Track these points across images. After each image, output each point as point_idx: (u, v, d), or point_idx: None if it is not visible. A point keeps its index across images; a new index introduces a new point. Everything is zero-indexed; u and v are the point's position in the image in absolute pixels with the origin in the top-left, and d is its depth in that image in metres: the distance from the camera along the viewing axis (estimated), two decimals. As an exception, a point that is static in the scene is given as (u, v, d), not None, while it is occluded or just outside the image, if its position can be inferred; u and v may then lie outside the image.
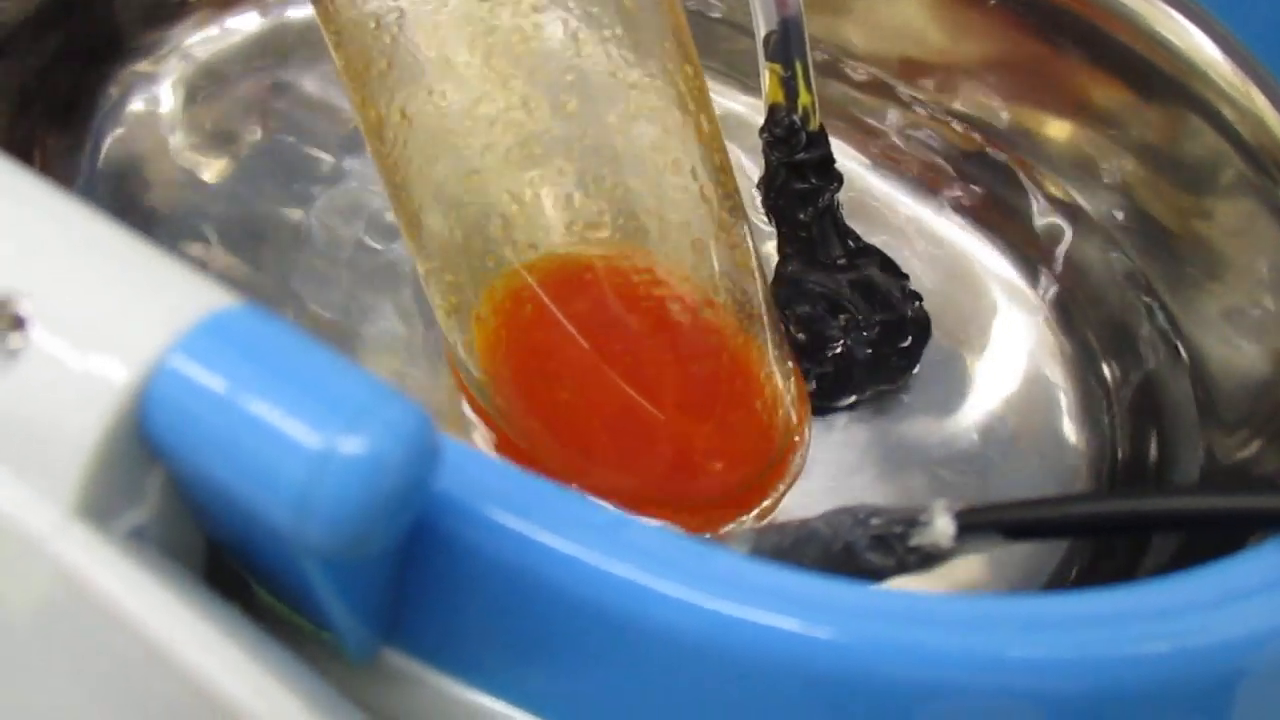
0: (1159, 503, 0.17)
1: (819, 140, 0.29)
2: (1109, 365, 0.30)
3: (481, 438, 0.27)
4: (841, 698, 0.15)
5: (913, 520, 0.18)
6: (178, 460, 0.13)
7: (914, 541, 0.18)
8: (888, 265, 0.30)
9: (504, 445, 0.26)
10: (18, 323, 0.13)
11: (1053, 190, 0.32)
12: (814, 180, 0.29)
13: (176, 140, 0.33)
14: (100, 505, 0.13)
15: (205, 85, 0.34)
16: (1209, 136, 0.28)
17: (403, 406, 0.12)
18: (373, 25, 0.24)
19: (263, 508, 0.12)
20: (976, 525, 0.17)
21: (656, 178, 0.25)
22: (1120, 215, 0.31)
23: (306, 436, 0.12)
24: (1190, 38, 0.28)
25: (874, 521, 0.18)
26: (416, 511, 0.13)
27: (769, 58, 0.29)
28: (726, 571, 0.15)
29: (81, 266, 0.13)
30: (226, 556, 0.15)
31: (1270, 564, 0.16)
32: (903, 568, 0.18)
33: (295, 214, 0.32)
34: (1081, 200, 0.31)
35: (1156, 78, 0.29)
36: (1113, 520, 0.17)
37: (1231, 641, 0.15)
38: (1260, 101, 0.27)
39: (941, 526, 0.17)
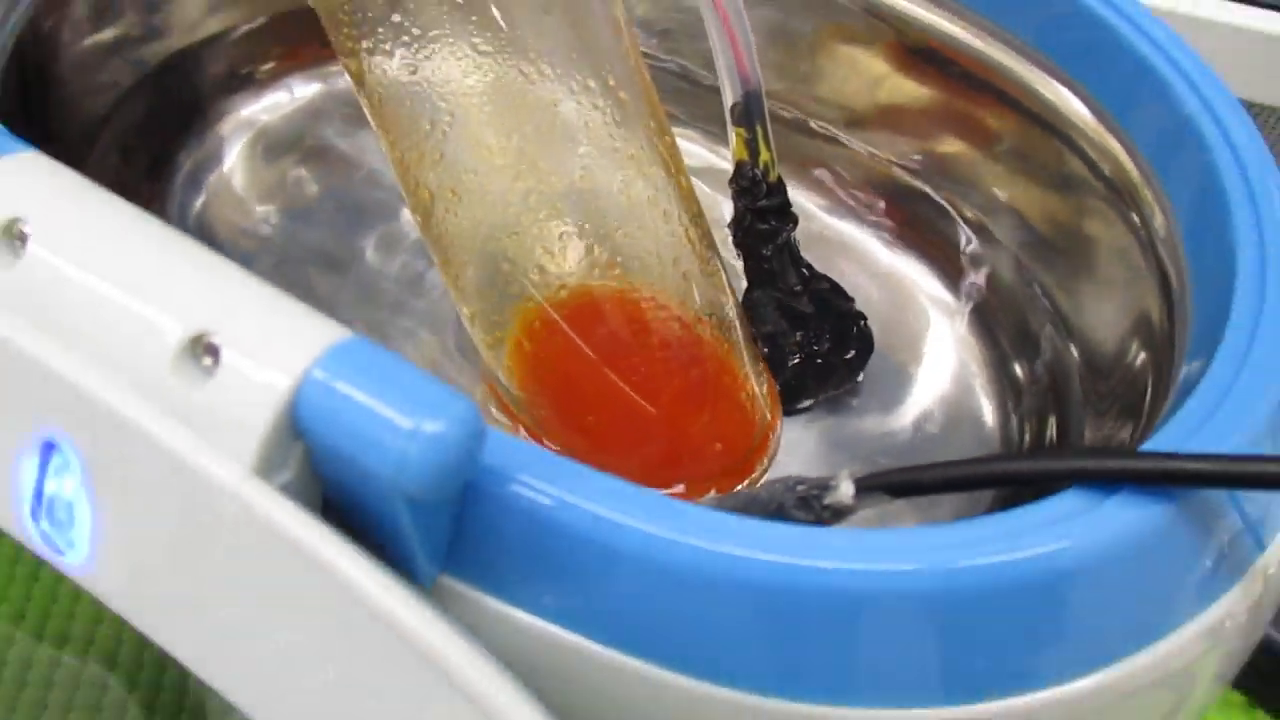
0: (996, 466, 0.22)
1: (778, 189, 0.32)
2: (1019, 365, 0.34)
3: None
4: (778, 606, 0.19)
5: (826, 485, 0.21)
6: (317, 437, 0.17)
7: (827, 501, 0.21)
8: (837, 290, 0.33)
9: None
10: (211, 350, 0.18)
11: (971, 218, 0.35)
12: (774, 222, 0.32)
13: (244, 200, 0.35)
14: (266, 467, 0.17)
15: (272, 147, 0.36)
16: (1080, 171, 0.31)
17: (465, 404, 0.17)
18: (427, 127, 0.28)
19: (373, 467, 0.17)
20: (869, 487, 0.21)
21: (652, 226, 0.29)
22: (1020, 236, 0.34)
23: (402, 421, 0.16)
24: (1063, 98, 0.32)
25: (799, 487, 0.22)
26: (471, 472, 0.17)
27: (735, 123, 0.31)
28: (693, 515, 0.20)
29: (247, 309, 0.18)
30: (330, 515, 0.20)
31: (1070, 502, 0.20)
32: (820, 521, 0.21)
33: (356, 268, 0.34)
34: (992, 225, 0.35)
35: (1042, 127, 0.32)
36: (963, 480, 0.22)
37: (1044, 554, 0.19)
38: (1114, 145, 0.30)
39: (844, 489, 0.21)
